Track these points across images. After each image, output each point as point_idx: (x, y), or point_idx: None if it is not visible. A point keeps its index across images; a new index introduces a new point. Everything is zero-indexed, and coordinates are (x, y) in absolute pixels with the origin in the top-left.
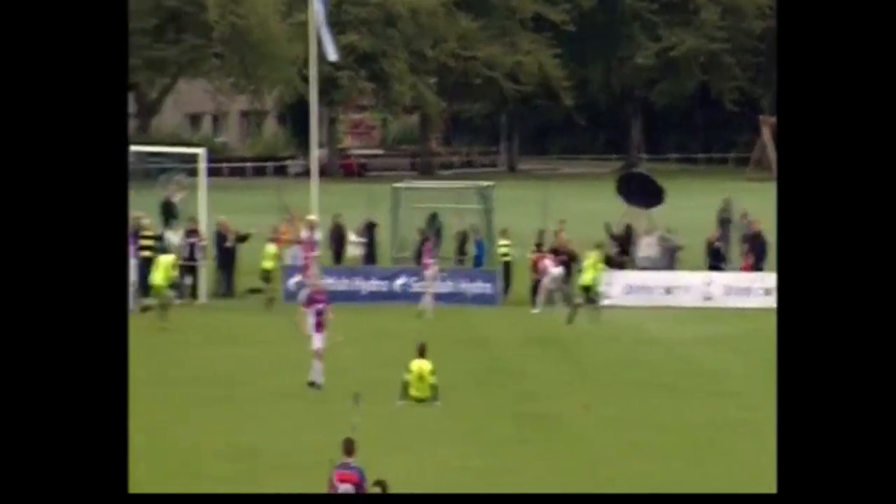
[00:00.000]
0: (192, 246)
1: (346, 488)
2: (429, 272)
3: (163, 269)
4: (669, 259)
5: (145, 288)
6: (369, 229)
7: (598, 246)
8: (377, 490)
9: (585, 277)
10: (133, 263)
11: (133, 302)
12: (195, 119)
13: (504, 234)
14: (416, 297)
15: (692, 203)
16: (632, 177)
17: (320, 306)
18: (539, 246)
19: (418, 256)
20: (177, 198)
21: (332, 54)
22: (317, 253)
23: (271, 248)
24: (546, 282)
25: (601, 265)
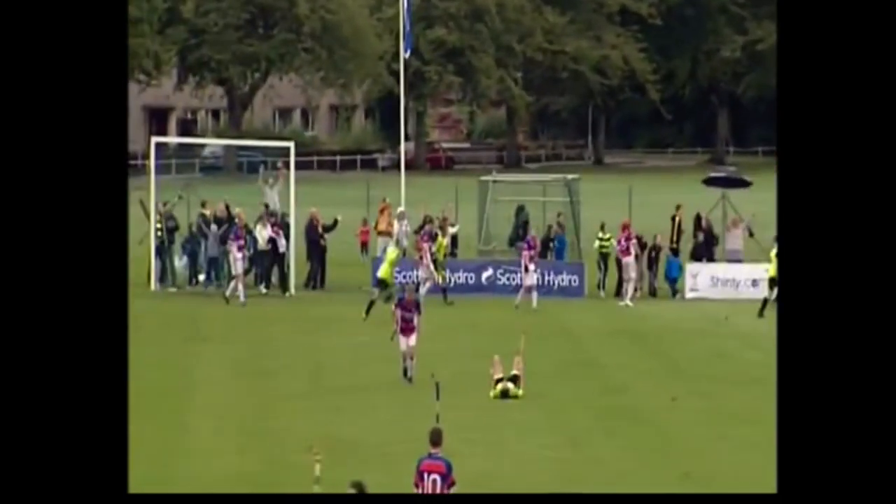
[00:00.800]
0: (275, 238)
1: (433, 478)
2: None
3: (389, 262)
4: None
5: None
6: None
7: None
8: (352, 491)
9: (771, 269)
10: (239, 256)
11: (242, 292)
12: (285, 113)
13: (602, 227)
14: (503, 289)
15: None
16: (718, 177)
17: (408, 314)
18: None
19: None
20: (276, 187)
21: (405, 48)
22: (431, 245)
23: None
24: (623, 274)
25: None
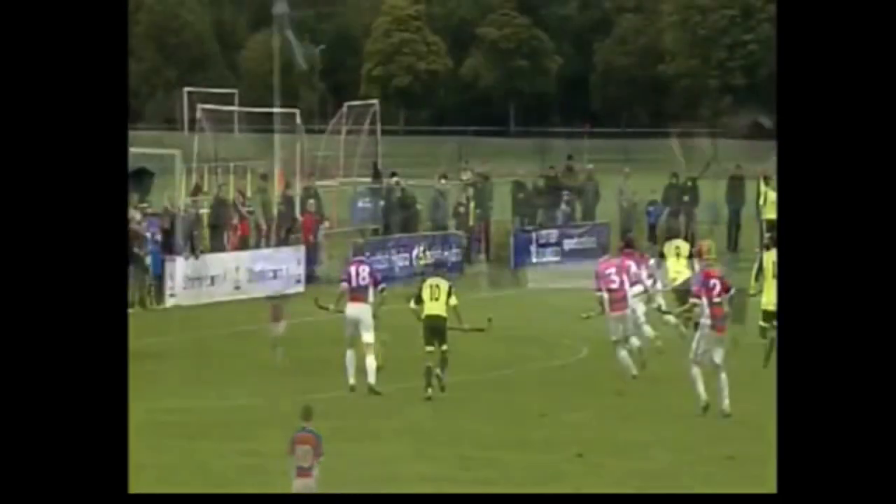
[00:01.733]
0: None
1: (304, 449)
2: None
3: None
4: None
5: None
6: None
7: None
8: None
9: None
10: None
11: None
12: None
13: None
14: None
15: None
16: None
17: (277, 301)
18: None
19: None
20: None
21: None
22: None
23: None
24: None
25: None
